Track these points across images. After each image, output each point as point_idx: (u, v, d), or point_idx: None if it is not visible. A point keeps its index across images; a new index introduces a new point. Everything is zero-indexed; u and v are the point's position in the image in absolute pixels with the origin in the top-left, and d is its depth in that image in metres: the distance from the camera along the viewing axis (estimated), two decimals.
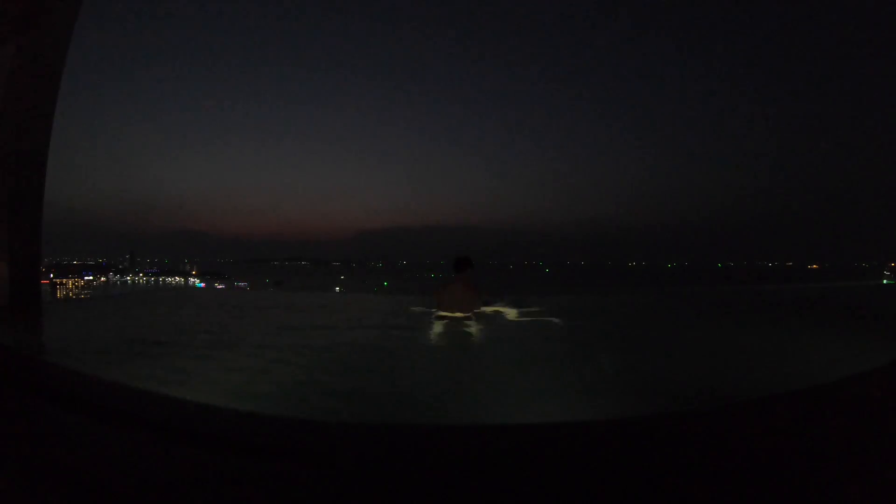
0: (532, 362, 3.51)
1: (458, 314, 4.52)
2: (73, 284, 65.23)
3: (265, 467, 1.20)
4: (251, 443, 1.38)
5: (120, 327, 5.14)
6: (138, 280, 79.01)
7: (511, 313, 4.90)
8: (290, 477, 1.14)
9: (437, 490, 1.09)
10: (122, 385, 2.20)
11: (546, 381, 3.00)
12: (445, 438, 1.50)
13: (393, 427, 1.77)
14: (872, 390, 2.00)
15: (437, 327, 4.42)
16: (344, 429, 1.64)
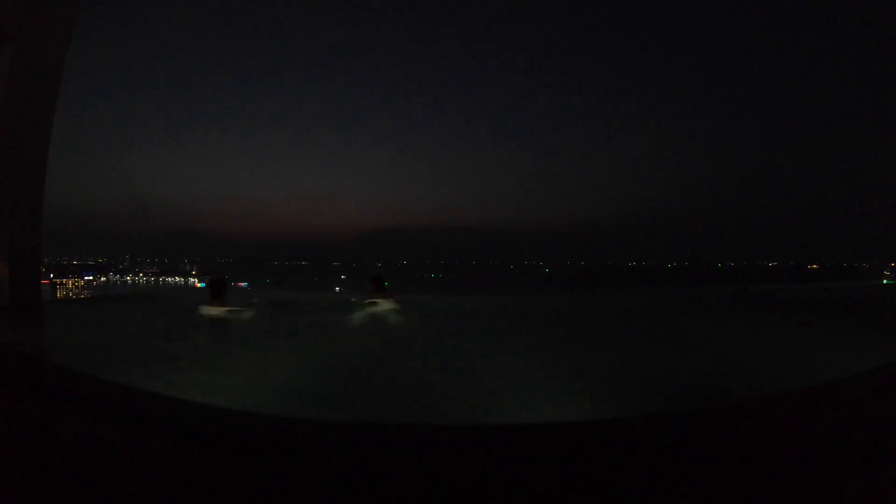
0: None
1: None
2: (73, 284, 65.28)
3: (265, 467, 1.20)
4: (251, 443, 1.39)
5: (120, 327, 5.15)
6: (138, 280, 79.04)
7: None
8: (290, 477, 1.14)
9: (436, 490, 1.09)
10: (122, 385, 2.20)
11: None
12: (445, 438, 1.50)
13: (393, 427, 1.77)
14: (872, 390, 2.00)
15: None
16: (344, 429, 1.64)
